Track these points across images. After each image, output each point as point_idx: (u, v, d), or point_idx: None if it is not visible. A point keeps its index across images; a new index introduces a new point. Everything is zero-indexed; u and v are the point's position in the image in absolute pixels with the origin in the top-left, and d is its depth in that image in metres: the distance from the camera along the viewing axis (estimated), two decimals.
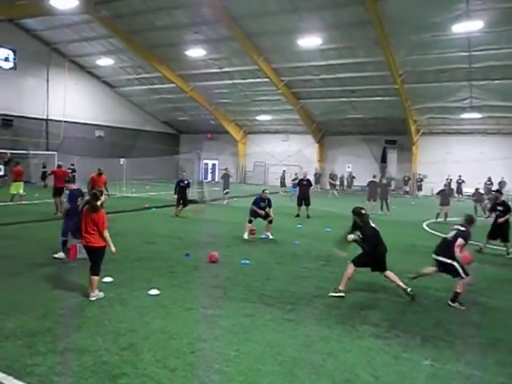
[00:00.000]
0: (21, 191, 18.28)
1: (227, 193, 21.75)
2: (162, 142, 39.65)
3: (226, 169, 24.07)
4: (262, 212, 12.05)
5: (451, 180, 28.32)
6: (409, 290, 7.03)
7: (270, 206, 12.23)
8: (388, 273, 7.22)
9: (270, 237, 12.18)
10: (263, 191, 12.41)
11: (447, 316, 6.44)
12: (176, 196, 16.34)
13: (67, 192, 9.28)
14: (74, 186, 9.16)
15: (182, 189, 16.36)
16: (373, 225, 7.32)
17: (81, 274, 7.30)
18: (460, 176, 29.18)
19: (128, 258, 9.07)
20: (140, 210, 17.20)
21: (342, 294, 7.11)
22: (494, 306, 7.00)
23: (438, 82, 25.66)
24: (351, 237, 7.24)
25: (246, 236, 12.00)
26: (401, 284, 7.12)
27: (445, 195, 17.44)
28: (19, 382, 4.17)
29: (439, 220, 16.85)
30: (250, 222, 12.10)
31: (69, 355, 4.74)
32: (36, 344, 4.96)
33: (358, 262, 7.24)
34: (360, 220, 7.29)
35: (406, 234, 13.89)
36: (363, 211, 7.41)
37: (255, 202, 12.23)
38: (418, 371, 4.72)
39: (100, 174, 14.64)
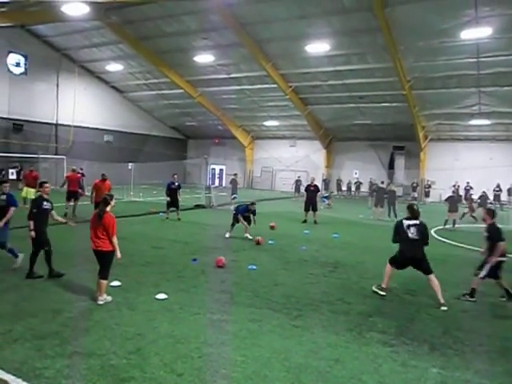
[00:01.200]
0: (32, 196, 17.86)
1: (235, 198, 21.83)
2: (169, 147, 39.85)
3: (235, 174, 24.21)
4: (244, 222, 12.84)
5: (459, 186, 28.13)
6: (442, 301, 7.11)
7: (254, 215, 13.15)
8: (431, 276, 7.36)
9: (249, 237, 12.61)
10: (252, 204, 13.14)
11: (455, 324, 6.39)
12: (168, 199, 16.54)
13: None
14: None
15: (172, 191, 16.58)
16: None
17: (89, 278, 7.35)
18: (468, 182, 28.96)
19: (136, 263, 9.12)
20: (147, 214, 17.26)
21: (383, 293, 7.55)
22: (504, 315, 6.94)
23: (447, 88, 25.58)
24: None
25: (227, 235, 12.94)
26: (439, 293, 7.21)
27: (453, 202, 17.32)
28: None
29: (447, 227, 16.74)
30: (233, 225, 12.98)
31: (77, 358, 4.77)
32: (44, 347, 5.00)
33: (393, 260, 7.65)
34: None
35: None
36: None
37: (240, 211, 12.97)
38: (425, 379, 4.68)
39: (104, 179, 14.48)
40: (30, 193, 17.03)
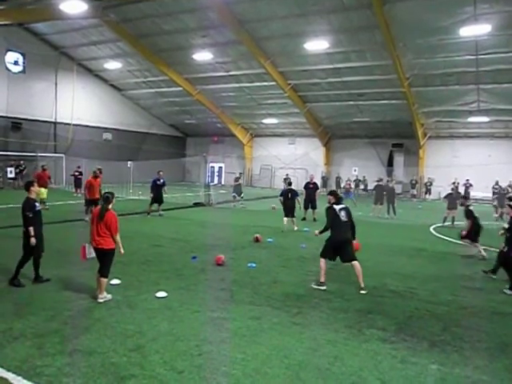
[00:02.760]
0: (45, 196, 16.92)
1: (234, 197, 21.85)
2: (168, 144, 39.82)
3: (240, 173, 24.38)
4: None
5: (458, 184, 28.14)
6: (362, 285, 7.59)
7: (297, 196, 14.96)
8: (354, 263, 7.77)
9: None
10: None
11: (455, 320, 6.41)
12: (151, 195, 16.86)
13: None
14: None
15: (158, 187, 16.88)
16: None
17: (89, 276, 7.35)
18: (468, 180, 28.94)
19: (135, 261, 9.13)
20: (153, 212, 17.23)
21: (324, 288, 7.69)
22: (503, 311, 6.95)
23: (446, 86, 25.59)
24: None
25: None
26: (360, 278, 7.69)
27: (452, 199, 17.33)
28: (28, 383, 4.22)
29: (446, 224, 16.75)
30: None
31: (77, 356, 4.78)
32: (45, 345, 5.01)
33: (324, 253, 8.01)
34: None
35: (412, 237, 13.85)
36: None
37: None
38: (425, 375, 4.70)
39: (96, 176, 14.68)
40: (43, 193, 16.68)
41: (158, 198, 16.91)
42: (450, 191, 19.08)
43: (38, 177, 16.69)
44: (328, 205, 8.04)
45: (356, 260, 7.74)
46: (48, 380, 4.28)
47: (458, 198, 15.95)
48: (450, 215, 16.96)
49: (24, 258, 7.35)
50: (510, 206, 8.55)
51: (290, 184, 15.84)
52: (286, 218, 14.49)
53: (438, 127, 31.43)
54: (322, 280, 7.75)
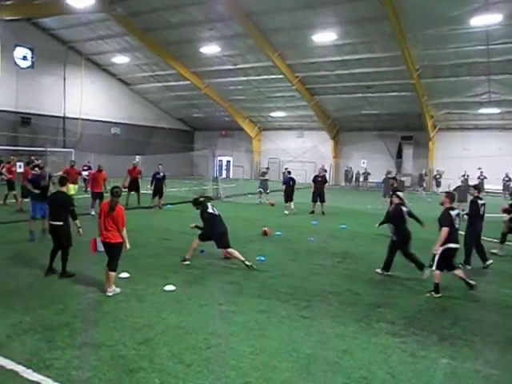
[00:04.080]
0: (72, 192, 15.92)
1: (261, 192, 20.78)
2: (176, 138, 39.83)
3: (267, 167, 24.80)
4: None
5: (468, 176, 27.74)
6: (246, 262, 8.34)
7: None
8: (230, 250, 8.57)
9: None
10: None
11: (465, 314, 6.35)
12: (152, 188, 17.12)
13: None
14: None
15: (158, 181, 17.03)
16: (210, 210, 8.70)
17: (97, 269, 7.39)
18: (482, 172, 28.34)
19: (144, 255, 9.16)
20: (155, 206, 17.29)
21: (187, 262, 8.54)
22: None
23: (456, 77, 25.24)
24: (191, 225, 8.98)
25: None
26: (240, 258, 8.42)
27: (461, 191, 17.17)
28: (38, 375, 4.25)
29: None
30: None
31: (86, 349, 4.81)
32: (54, 338, 5.04)
33: (201, 237, 8.73)
34: (198, 208, 8.83)
35: (422, 230, 13.71)
36: (201, 199, 8.96)
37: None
38: (435, 369, 4.66)
39: (100, 170, 14.89)
40: (75, 189, 16.46)
41: (159, 191, 17.01)
42: (459, 184, 18.90)
43: (66, 173, 15.87)
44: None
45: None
46: (57, 373, 4.30)
47: (467, 191, 15.75)
48: (460, 208, 16.79)
49: (57, 249, 7.54)
50: (447, 195, 7.71)
51: (289, 173, 18.36)
52: (287, 204, 16.85)
53: (447, 119, 31.06)
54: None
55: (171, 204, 17.82)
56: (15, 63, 28.50)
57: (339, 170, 35.51)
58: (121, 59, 31.81)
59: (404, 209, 8.52)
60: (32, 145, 28.53)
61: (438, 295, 6.97)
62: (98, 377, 4.26)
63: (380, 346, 5.17)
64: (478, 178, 28.21)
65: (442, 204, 7.46)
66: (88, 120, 32.92)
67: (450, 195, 7.59)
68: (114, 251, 6.72)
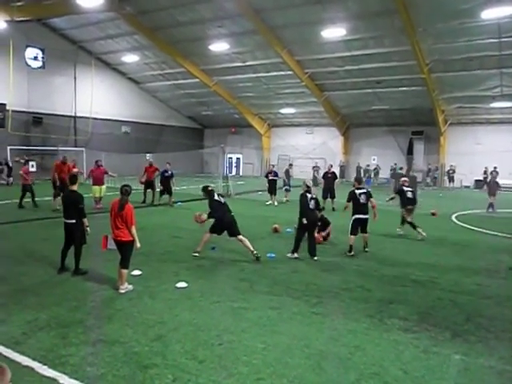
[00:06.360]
0: (100, 194, 15.41)
1: (287, 190, 19.86)
2: (186, 136, 39.92)
3: (290, 164, 24.20)
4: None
5: (495, 170, 26.89)
6: (255, 252, 8.68)
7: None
8: (240, 237, 8.84)
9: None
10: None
11: (478, 310, 6.30)
12: (160, 186, 17.18)
13: None
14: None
15: (166, 179, 17.09)
16: (217, 198, 9.02)
17: (110, 267, 7.46)
18: (495, 167, 27.77)
19: (156, 252, 9.23)
20: (166, 204, 17.37)
21: (197, 254, 8.86)
22: None
23: (467, 71, 24.91)
24: (204, 216, 8.89)
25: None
26: (250, 247, 8.75)
27: (492, 186, 17.37)
28: (54, 372, 4.31)
29: (490, 210, 16.93)
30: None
31: (100, 346, 4.86)
32: (69, 335, 5.11)
33: (212, 229, 8.96)
34: (206, 196, 9.10)
35: (434, 226, 13.62)
36: (209, 188, 9.16)
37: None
38: (448, 365, 4.64)
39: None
40: (96, 191, 15.35)
41: (167, 189, 17.09)
42: (489, 178, 19.17)
43: (92, 174, 15.68)
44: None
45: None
46: (72, 369, 4.36)
47: (497, 185, 16.50)
48: (491, 201, 17.05)
49: (69, 246, 7.66)
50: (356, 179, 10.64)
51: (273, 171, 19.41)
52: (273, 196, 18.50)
53: (459, 113, 30.69)
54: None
55: (181, 202, 17.89)
56: (26, 63, 28.85)
57: (349, 167, 35.26)
58: (130, 58, 31.96)
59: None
60: (44, 144, 28.89)
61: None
62: (112, 373, 4.31)
63: (392, 342, 5.15)
64: (491, 173, 27.70)
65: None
66: (98, 119, 33.16)
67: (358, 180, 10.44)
68: (125, 249, 6.77)
